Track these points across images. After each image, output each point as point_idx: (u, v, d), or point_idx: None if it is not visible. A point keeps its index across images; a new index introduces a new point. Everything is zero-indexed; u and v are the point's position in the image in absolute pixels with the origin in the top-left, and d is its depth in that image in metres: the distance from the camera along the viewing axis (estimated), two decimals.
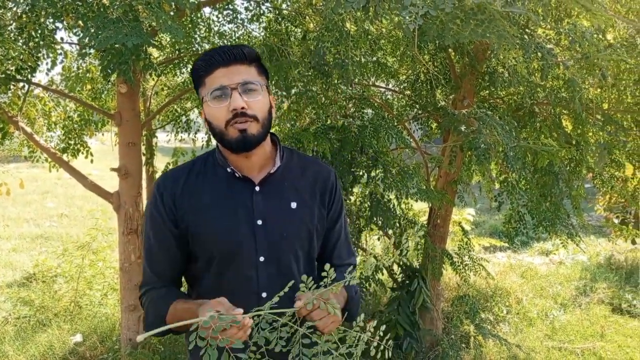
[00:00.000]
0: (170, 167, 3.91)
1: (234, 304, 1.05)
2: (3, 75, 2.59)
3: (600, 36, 3.21)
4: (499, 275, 5.32)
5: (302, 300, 1.07)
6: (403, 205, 3.87)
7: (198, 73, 1.22)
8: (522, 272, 5.58)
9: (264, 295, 1.24)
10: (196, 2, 2.54)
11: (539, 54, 2.71)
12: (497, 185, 3.80)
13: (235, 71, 1.18)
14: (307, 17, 2.87)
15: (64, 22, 2.31)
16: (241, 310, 1.01)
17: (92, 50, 2.32)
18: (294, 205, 1.27)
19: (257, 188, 1.26)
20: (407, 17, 1.41)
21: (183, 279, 1.37)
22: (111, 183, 3.08)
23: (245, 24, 3.06)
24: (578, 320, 4.42)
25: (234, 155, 1.24)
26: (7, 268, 5.41)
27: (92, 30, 1.91)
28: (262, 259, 1.23)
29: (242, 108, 1.16)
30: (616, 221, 6.00)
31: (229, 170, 1.25)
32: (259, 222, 1.23)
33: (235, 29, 3.14)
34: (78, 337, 3.72)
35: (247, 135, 1.17)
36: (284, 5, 2.90)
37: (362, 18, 2.34)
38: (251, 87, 1.18)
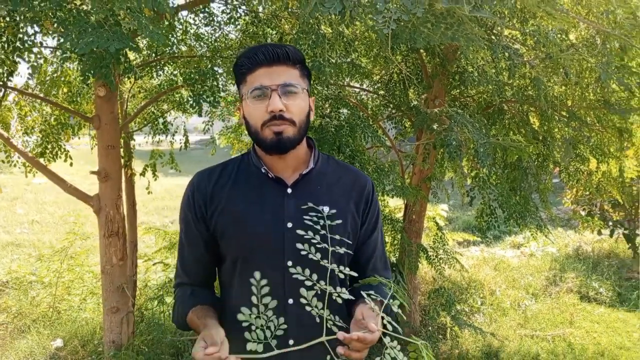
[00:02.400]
0: (149, 169, 3.92)
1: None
2: None
3: (564, 36, 3.37)
4: (473, 268, 5.49)
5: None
6: (380, 203, 3.99)
7: (240, 70, 1.20)
8: (495, 265, 5.76)
9: (290, 301, 1.19)
10: (175, 6, 2.58)
11: (506, 54, 2.84)
12: (469, 181, 3.95)
13: (278, 72, 1.16)
14: (282, 19, 2.94)
15: (43, 27, 2.32)
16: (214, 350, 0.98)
17: (69, 55, 2.34)
18: (325, 209, 1.21)
19: (289, 190, 1.23)
20: (381, 22, 1.49)
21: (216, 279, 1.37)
22: (84, 186, 3.08)
23: (222, 26, 3.11)
24: (549, 308, 4.60)
25: (268, 155, 1.23)
26: None
27: (73, 35, 1.94)
28: (289, 263, 1.16)
29: (280, 111, 1.14)
30: (583, 213, 6.24)
31: (262, 170, 1.24)
32: (289, 224, 1.20)
33: (212, 32, 3.18)
34: (59, 342, 3.70)
35: (282, 138, 1.16)
36: (260, 8, 2.96)
37: (338, 22, 2.42)
38: (291, 89, 1.16)
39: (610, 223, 6.13)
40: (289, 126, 1.16)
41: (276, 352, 0.99)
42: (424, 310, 4.40)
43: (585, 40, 3.35)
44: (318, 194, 1.25)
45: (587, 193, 5.74)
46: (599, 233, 6.20)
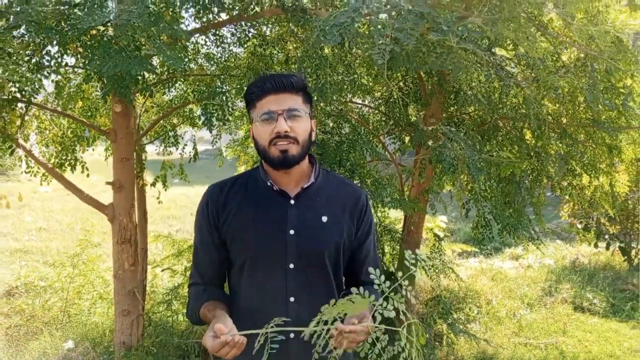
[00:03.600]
0: (159, 181, 4.12)
1: (264, 306, 1.22)
2: (5, 97, 2.79)
3: (555, 57, 3.55)
4: (471, 279, 5.63)
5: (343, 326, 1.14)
6: (380, 214, 4.15)
7: (251, 97, 1.37)
8: (492, 276, 5.90)
9: (291, 299, 1.36)
10: (189, 31, 2.79)
11: (499, 75, 3.02)
12: (467, 194, 4.12)
13: (284, 99, 1.33)
14: (288, 42, 3.14)
15: (69, 50, 2.53)
16: (228, 336, 1.15)
17: (92, 75, 2.54)
18: (324, 219, 1.39)
19: (292, 201, 1.40)
20: (376, 54, 1.68)
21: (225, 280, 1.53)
22: (92, 195, 3.26)
23: (231, 47, 3.31)
24: (543, 318, 4.74)
25: (274, 171, 1.40)
26: None
27: (97, 59, 2.14)
28: (291, 266, 1.35)
29: (285, 131, 1.31)
30: (579, 226, 6.39)
31: (268, 183, 1.40)
32: (291, 232, 1.36)
33: (222, 52, 3.37)
34: (70, 344, 3.87)
35: (287, 156, 1.33)
36: (267, 32, 3.16)
37: (339, 48, 2.61)
38: (295, 113, 1.34)
39: (607, 236, 6.27)
40: (293, 144, 1.33)
41: (277, 329, 1.15)
42: (422, 318, 4.54)
43: (577, 61, 3.52)
44: (318, 205, 1.42)
45: (586, 207, 5.88)
46: (596, 246, 6.34)
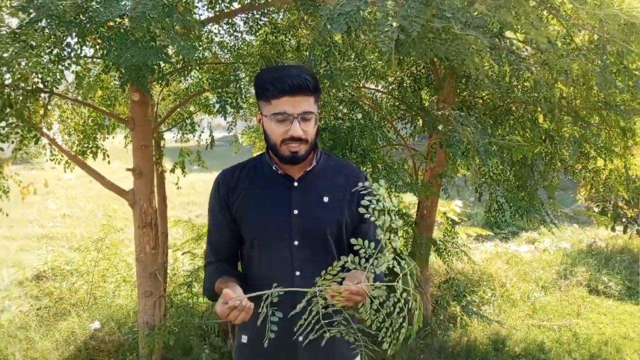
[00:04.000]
0: (177, 167, 4.24)
1: (273, 280, 1.30)
2: (29, 88, 2.92)
3: (568, 40, 3.53)
4: (485, 262, 5.67)
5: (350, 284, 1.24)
6: (394, 199, 4.21)
7: (265, 93, 1.42)
8: (507, 259, 5.93)
9: (297, 274, 1.48)
10: (201, 20, 2.86)
11: (510, 58, 3.03)
12: (480, 178, 4.15)
13: (299, 101, 1.40)
14: (299, 29, 3.19)
15: (87, 41, 2.63)
16: (235, 301, 1.25)
17: (110, 66, 2.64)
18: (326, 199, 1.51)
19: (296, 184, 1.51)
20: (380, 44, 1.73)
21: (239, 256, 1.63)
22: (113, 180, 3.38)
23: (244, 35, 3.38)
24: (557, 300, 4.77)
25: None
26: (16, 267, 5.64)
27: (114, 51, 2.23)
28: (296, 243, 1.47)
29: (300, 136, 1.41)
30: (596, 210, 6.35)
31: (273, 167, 1.52)
32: (295, 211, 1.48)
33: (235, 40, 3.44)
34: (96, 324, 4.05)
35: (297, 156, 1.44)
36: (279, 19, 3.22)
37: (347, 35, 2.66)
38: (309, 116, 1.43)
39: (624, 219, 6.23)
40: (303, 144, 1.44)
41: (283, 289, 1.27)
42: (436, 300, 4.61)
43: (589, 43, 3.49)
44: (319, 186, 1.53)
45: (601, 190, 5.85)
46: (613, 229, 6.30)
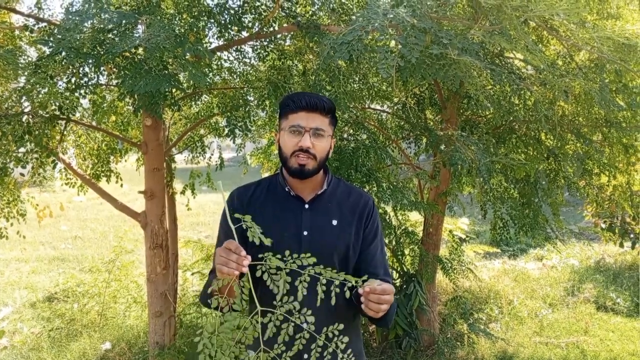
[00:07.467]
0: (188, 189, 4.34)
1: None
2: (47, 115, 3.05)
3: (568, 60, 3.62)
4: (493, 279, 5.68)
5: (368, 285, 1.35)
6: (400, 217, 4.27)
7: (285, 109, 1.56)
8: (515, 276, 5.93)
9: (304, 293, 1.53)
10: (212, 49, 2.99)
11: (510, 79, 3.12)
12: (484, 196, 4.21)
13: (313, 118, 1.53)
14: (305, 54, 3.31)
15: (104, 70, 2.76)
16: (232, 244, 1.33)
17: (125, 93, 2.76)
18: (334, 222, 1.58)
19: (307, 206, 1.59)
20: (381, 68, 1.83)
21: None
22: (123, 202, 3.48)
23: (252, 61, 3.51)
24: (565, 318, 4.77)
25: (291, 178, 1.58)
26: (29, 289, 5.70)
27: (129, 80, 2.35)
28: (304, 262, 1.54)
29: (308, 147, 1.50)
30: (603, 226, 6.36)
31: (286, 189, 1.60)
32: (305, 232, 1.55)
33: (243, 66, 3.57)
34: (107, 345, 4.11)
35: (304, 169, 1.52)
36: (285, 45, 3.35)
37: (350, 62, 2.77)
38: (320, 133, 1.53)
39: (632, 235, 6.23)
40: (312, 160, 1.52)
41: (292, 268, 1.35)
42: (443, 318, 4.63)
43: (590, 61, 3.58)
44: (329, 210, 1.61)
45: (606, 206, 5.87)
46: (621, 245, 6.30)
